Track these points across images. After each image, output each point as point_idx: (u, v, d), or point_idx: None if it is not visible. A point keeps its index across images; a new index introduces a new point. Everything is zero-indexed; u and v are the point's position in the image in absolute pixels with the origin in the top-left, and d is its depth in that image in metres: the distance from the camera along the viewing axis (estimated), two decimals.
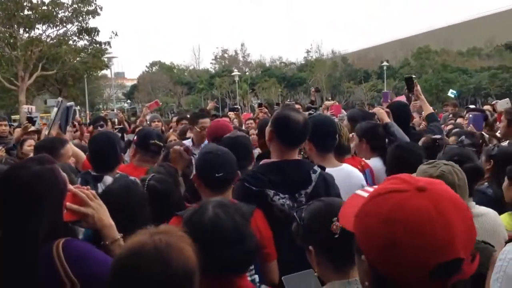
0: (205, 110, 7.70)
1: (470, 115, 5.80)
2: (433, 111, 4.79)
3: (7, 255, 1.78)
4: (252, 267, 2.23)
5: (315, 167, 2.61)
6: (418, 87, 4.75)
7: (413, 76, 5.16)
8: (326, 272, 1.70)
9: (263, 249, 2.36)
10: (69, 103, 4.33)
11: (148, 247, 1.25)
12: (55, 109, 4.15)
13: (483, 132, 4.89)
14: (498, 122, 5.99)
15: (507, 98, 6.74)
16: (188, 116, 7.82)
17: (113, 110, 17.36)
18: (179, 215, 2.45)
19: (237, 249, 1.72)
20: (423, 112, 5.33)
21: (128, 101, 68.36)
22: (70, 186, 1.92)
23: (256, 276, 2.24)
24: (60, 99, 4.36)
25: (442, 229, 0.91)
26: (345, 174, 2.93)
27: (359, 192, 1.23)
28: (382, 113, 3.98)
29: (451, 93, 8.70)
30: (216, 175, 2.48)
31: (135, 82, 71.43)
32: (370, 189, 1.18)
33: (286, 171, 2.58)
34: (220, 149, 2.64)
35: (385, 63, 53.51)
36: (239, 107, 8.56)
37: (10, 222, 1.79)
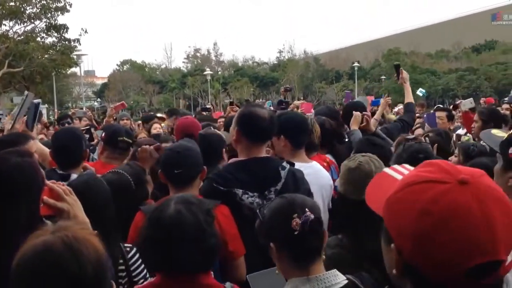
0: (174, 110, 7.73)
1: (424, 115, 5.99)
2: (412, 101, 4.82)
3: None
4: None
5: (284, 164, 2.58)
6: (404, 74, 4.75)
7: (399, 63, 5.19)
8: (287, 269, 1.70)
9: (226, 246, 2.34)
10: (36, 100, 4.21)
11: (56, 245, 1.18)
12: (20, 102, 4.03)
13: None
14: (461, 120, 6.17)
15: (471, 98, 6.94)
16: (157, 115, 7.84)
17: (81, 108, 16.99)
18: (143, 211, 2.45)
19: (199, 246, 1.72)
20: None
21: (98, 99, 67.16)
22: (47, 181, 1.89)
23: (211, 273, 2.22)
24: (26, 92, 4.24)
25: (485, 229, 0.84)
26: (315, 171, 2.94)
27: (388, 171, 1.18)
28: (355, 118, 3.95)
29: (420, 91, 8.74)
30: (175, 171, 2.50)
31: (105, 80, 70.28)
32: (401, 169, 1.14)
33: (254, 169, 2.55)
34: (182, 146, 2.64)
35: (356, 64, 54.17)
36: (211, 107, 8.50)
37: None
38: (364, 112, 3.98)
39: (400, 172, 1.13)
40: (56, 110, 36.60)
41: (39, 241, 1.20)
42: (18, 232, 1.75)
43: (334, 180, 3.36)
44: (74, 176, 2.93)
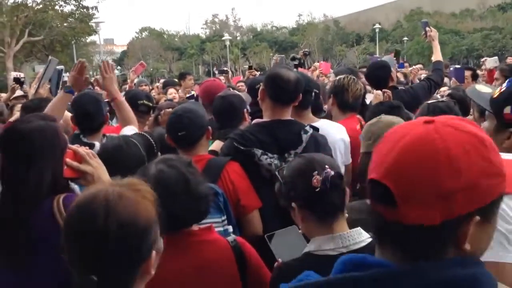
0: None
1: (451, 68, 5.77)
2: (441, 59, 4.61)
3: (7, 207, 1.80)
4: (224, 217, 2.25)
5: (307, 128, 2.58)
6: (433, 32, 4.58)
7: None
8: (310, 228, 1.70)
9: (239, 201, 2.43)
10: (59, 67, 4.24)
11: (99, 198, 1.22)
12: (44, 68, 4.07)
13: None
14: (486, 78, 6.00)
15: (496, 57, 6.72)
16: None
17: None
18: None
19: (188, 197, 1.76)
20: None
21: (119, 67, 67.42)
22: (70, 145, 1.93)
23: (230, 227, 2.26)
24: (50, 58, 4.26)
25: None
26: (321, 130, 2.83)
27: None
28: (376, 97, 3.87)
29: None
30: (179, 134, 2.55)
31: (125, 48, 70.37)
32: None
33: (276, 131, 2.57)
34: (184, 108, 2.67)
35: (377, 26, 52.99)
36: (229, 70, 8.42)
37: (11, 174, 1.81)
38: (384, 90, 3.84)
39: None
40: None
41: (89, 192, 1.27)
42: (42, 193, 1.81)
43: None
44: (97, 144, 2.95)
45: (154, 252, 1.27)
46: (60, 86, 4.08)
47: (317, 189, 1.61)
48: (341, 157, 2.98)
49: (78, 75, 3.18)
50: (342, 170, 2.96)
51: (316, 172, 1.62)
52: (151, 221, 1.25)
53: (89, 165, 1.88)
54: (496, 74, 4.70)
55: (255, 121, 2.76)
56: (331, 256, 1.62)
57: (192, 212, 1.82)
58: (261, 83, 2.82)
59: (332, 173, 1.61)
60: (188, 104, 2.92)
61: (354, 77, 3.61)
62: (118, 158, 2.28)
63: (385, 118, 2.13)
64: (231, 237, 1.96)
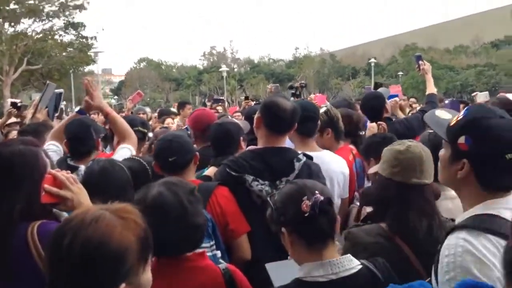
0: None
1: (447, 101, 5.80)
2: (435, 92, 4.63)
3: None
4: (213, 242, 2.24)
5: (300, 156, 2.58)
6: (426, 65, 4.60)
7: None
8: (300, 254, 1.68)
9: (227, 225, 2.43)
10: (58, 90, 4.27)
11: (75, 220, 1.21)
12: (42, 92, 4.11)
13: None
14: None
15: (487, 91, 6.79)
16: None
17: None
18: None
19: (182, 225, 1.76)
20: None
21: (116, 97, 67.79)
22: (51, 170, 1.90)
23: (218, 252, 2.24)
24: (48, 82, 4.29)
25: None
26: (323, 161, 2.84)
27: None
28: (370, 129, 3.89)
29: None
30: (169, 159, 2.54)
31: (122, 78, 70.90)
32: None
33: (269, 158, 2.58)
34: (173, 134, 2.71)
35: (372, 60, 53.78)
36: (225, 99, 8.47)
37: None
38: (379, 122, 3.82)
39: None
40: (74, 107, 37.10)
41: (77, 213, 1.27)
42: (14, 219, 1.76)
43: (357, 173, 3.36)
44: (82, 167, 2.93)
45: (123, 285, 1.18)
46: (58, 111, 4.09)
47: (306, 214, 1.59)
48: (339, 189, 2.96)
49: (90, 98, 3.19)
50: (338, 202, 2.97)
51: (306, 197, 1.61)
52: (124, 250, 1.18)
53: (69, 190, 1.83)
54: None
55: (249, 147, 2.77)
56: (321, 282, 1.61)
57: (186, 241, 1.81)
58: (257, 112, 2.84)
59: (322, 198, 1.60)
60: (174, 131, 2.94)
61: (335, 110, 3.62)
62: (103, 181, 2.25)
63: (414, 148, 2.10)
64: (223, 265, 1.94)
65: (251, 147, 2.74)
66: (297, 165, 2.53)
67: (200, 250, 1.90)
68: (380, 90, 5.30)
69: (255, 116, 2.71)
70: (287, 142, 2.84)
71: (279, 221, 1.69)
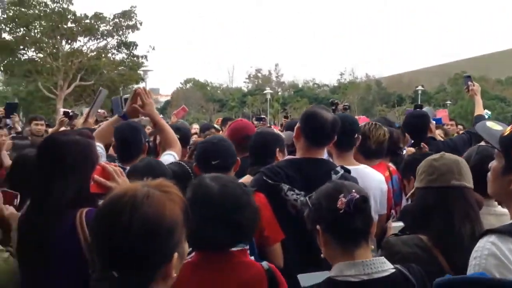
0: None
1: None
2: (483, 113, 4.51)
3: (33, 215, 1.87)
4: (247, 247, 2.23)
5: (338, 168, 2.56)
6: (476, 86, 4.51)
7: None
8: (333, 253, 1.69)
9: (262, 232, 2.40)
10: (125, 96, 4.45)
11: (127, 196, 1.23)
12: (94, 98, 4.28)
13: None
14: None
15: None
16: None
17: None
18: None
19: (247, 210, 1.83)
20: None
21: (161, 115, 69.10)
22: (101, 161, 2.00)
23: (252, 257, 2.24)
24: (100, 88, 4.49)
25: None
26: (359, 174, 2.82)
27: None
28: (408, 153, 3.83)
29: (486, 113, 8.14)
30: (213, 162, 2.55)
31: (168, 98, 72.50)
32: None
33: (306, 169, 2.58)
34: (216, 137, 2.69)
35: (420, 88, 52.79)
36: (267, 119, 8.58)
37: (40, 183, 1.89)
38: (423, 144, 3.79)
39: None
40: None
41: (121, 188, 1.30)
42: (64, 205, 1.87)
43: (394, 190, 3.31)
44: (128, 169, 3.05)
45: (176, 255, 1.26)
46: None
47: (341, 211, 1.60)
48: (376, 205, 2.92)
49: (134, 103, 3.32)
50: (376, 218, 2.94)
51: (342, 195, 1.63)
52: (176, 223, 1.25)
53: (115, 182, 1.92)
54: None
55: (287, 157, 2.77)
56: (352, 282, 1.60)
57: (233, 236, 1.84)
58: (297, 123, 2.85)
59: (357, 196, 1.61)
60: (218, 135, 2.98)
61: (375, 123, 3.57)
62: (147, 174, 2.34)
63: (449, 155, 2.10)
64: (265, 263, 1.97)
65: (289, 156, 2.75)
66: (334, 177, 2.50)
67: (240, 248, 1.93)
68: (425, 109, 5.19)
69: (295, 127, 2.74)
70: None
71: (315, 218, 1.71)
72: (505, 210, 2.32)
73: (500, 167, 1.56)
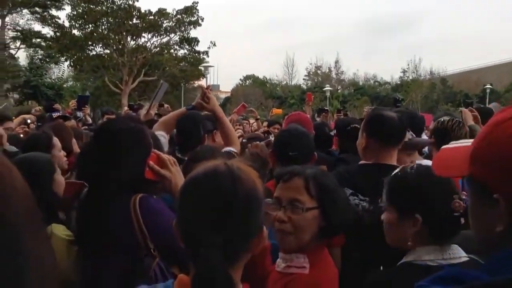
0: None
1: None
2: None
3: (90, 200, 1.91)
4: None
5: None
6: None
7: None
8: (420, 245, 1.63)
9: None
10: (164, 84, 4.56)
11: (221, 169, 1.23)
12: (156, 91, 4.40)
13: None
14: None
15: None
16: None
17: None
18: None
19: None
20: None
21: None
22: (155, 150, 2.02)
23: None
24: (162, 81, 4.60)
25: None
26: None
27: (447, 146, 1.15)
28: (467, 113, 3.77)
29: None
30: (290, 153, 2.49)
31: (228, 94, 73.52)
32: (461, 142, 1.09)
33: (374, 174, 2.47)
34: (297, 128, 2.63)
35: (488, 86, 50.46)
36: (328, 109, 8.51)
37: (97, 169, 1.91)
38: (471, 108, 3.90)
39: (461, 143, 1.06)
40: None
41: (209, 164, 1.27)
42: (120, 189, 1.89)
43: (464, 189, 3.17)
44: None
45: (265, 228, 1.26)
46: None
47: (456, 213, 1.55)
48: None
49: (202, 100, 3.38)
50: None
51: (458, 196, 1.56)
52: (261, 195, 1.26)
53: (169, 170, 1.93)
54: None
55: (361, 162, 2.72)
56: (430, 266, 1.55)
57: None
58: (351, 125, 2.77)
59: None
60: (298, 126, 2.91)
61: (459, 120, 3.43)
62: (208, 156, 2.34)
63: None
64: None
65: (363, 162, 2.69)
66: None
67: None
68: (491, 105, 4.98)
69: (360, 137, 2.67)
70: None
71: (414, 205, 1.62)
72: None
73: None
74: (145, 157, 1.93)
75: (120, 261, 1.83)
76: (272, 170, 2.98)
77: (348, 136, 3.63)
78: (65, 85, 38.98)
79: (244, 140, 4.12)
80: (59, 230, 2.11)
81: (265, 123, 8.94)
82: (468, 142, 0.99)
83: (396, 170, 1.79)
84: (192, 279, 1.14)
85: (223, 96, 75.99)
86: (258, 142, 3.64)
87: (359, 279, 1.72)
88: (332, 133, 4.09)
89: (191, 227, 1.21)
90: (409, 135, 2.80)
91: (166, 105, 11.29)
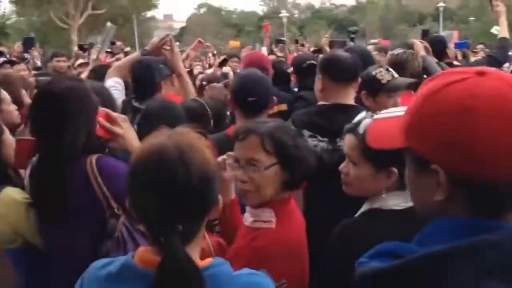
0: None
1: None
2: (507, 35, 4.30)
3: (43, 166, 1.87)
4: None
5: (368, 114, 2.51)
6: (500, 7, 4.26)
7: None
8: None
9: None
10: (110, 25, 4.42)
11: (170, 149, 1.18)
12: (104, 35, 4.24)
13: None
14: None
15: None
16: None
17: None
18: (210, 138, 2.52)
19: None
20: None
21: (178, 43, 68.11)
22: (103, 108, 1.96)
23: None
24: (109, 24, 4.43)
25: None
26: None
27: (380, 115, 1.17)
28: (418, 45, 3.81)
29: (495, 29, 7.49)
30: (249, 99, 2.47)
31: (183, 24, 71.10)
32: (394, 110, 1.11)
33: (332, 115, 2.55)
34: (255, 73, 2.62)
35: (441, 5, 50.60)
36: (285, 40, 8.39)
37: (46, 132, 1.87)
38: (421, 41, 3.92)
39: (395, 111, 1.08)
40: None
41: (155, 142, 1.22)
42: (76, 150, 1.84)
43: None
44: None
45: (219, 197, 1.28)
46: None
47: None
48: None
49: (159, 45, 3.29)
50: None
51: None
52: (215, 167, 1.26)
53: (120, 127, 1.89)
54: None
55: (319, 103, 2.77)
56: (395, 210, 1.61)
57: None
58: (307, 62, 2.81)
59: None
60: (257, 70, 2.89)
61: (412, 52, 3.48)
62: (162, 113, 2.32)
63: None
64: None
65: (321, 103, 2.72)
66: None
67: None
68: (443, 33, 5.07)
69: (317, 81, 2.71)
70: None
71: (393, 159, 1.60)
72: None
73: None
74: (93, 116, 1.87)
75: (86, 224, 1.83)
76: (233, 113, 2.99)
77: (305, 73, 3.64)
78: (8, 22, 36.67)
79: (204, 83, 4.07)
80: (15, 193, 2.03)
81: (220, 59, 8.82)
82: (399, 111, 0.99)
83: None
84: (157, 269, 1.13)
85: (178, 26, 73.41)
86: (216, 84, 3.61)
87: (327, 229, 1.76)
88: (289, 70, 4.08)
89: (147, 216, 1.21)
90: (388, 76, 2.81)
91: (118, 43, 10.88)
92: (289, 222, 1.80)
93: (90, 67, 4.50)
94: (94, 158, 1.86)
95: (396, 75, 2.89)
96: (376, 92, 2.82)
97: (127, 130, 1.92)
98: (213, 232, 2.11)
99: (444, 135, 0.82)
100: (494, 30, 9.28)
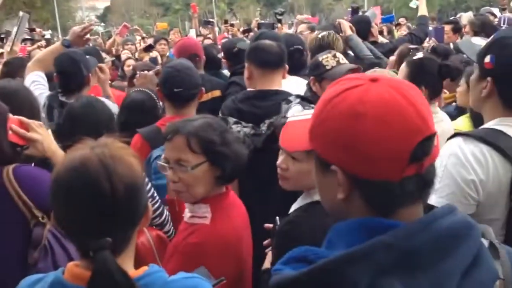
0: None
1: (431, 28, 5.62)
2: (426, 13, 4.61)
3: None
4: None
5: (291, 98, 2.46)
6: None
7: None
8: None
9: None
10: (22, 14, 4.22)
11: (93, 162, 1.15)
12: (17, 25, 4.04)
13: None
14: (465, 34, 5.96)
15: (470, 12, 6.62)
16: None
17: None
18: (141, 133, 2.50)
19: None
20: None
21: (102, 24, 65.61)
22: (15, 116, 1.88)
23: None
24: (21, 13, 4.21)
25: (414, 112, 0.86)
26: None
27: (293, 118, 1.21)
28: (344, 24, 3.92)
29: (414, 3, 7.75)
30: (175, 90, 2.48)
31: (107, 3, 68.32)
32: (304, 112, 1.15)
33: (257, 101, 2.66)
34: (182, 64, 2.63)
35: None
36: (215, 23, 8.32)
37: None
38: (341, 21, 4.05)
39: (304, 114, 1.13)
40: (60, 36, 36.07)
41: (77, 156, 1.18)
42: None
43: None
44: None
45: (149, 204, 1.28)
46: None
47: None
48: None
49: (81, 34, 3.17)
50: None
51: None
52: (142, 178, 1.24)
53: (36, 133, 1.84)
54: (466, 28, 4.65)
55: (245, 90, 2.85)
56: None
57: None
58: (236, 46, 2.89)
59: None
60: (184, 60, 2.86)
61: (336, 35, 3.57)
62: (85, 116, 2.27)
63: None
64: None
65: (247, 90, 2.80)
66: (285, 107, 2.44)
67: None
68: (367, 13, 5.23)
69: (245, 71, 2.78)
70: None
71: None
72: (442, 116, 2.49)
73: (475, 77, 1.75)
74: (3, 123, 1.79)
75: (9, 234, 1.77)
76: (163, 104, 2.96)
77: (236, 57, 3.65)
78: None
79: (137, 74, 3.98)
80: None
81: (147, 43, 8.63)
82: (309, 115, 1.04)
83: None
84: (88, 285, 1.12)
85: (101, 6, 70.44)
86: (146, 72, 3.54)
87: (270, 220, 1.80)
88: (220, 55, 4.07)
89: (74, 231, 1.20)
90: (333, 61, 2.84)
91: (38, 30, 10.33)
92: (226, 217, 1.81)
93: (4, 60, 4.27)
94: (10, 168, 1.79)
95: (344, 60, 2.89)
96: (321, 78, 2.82)
97: (44, 136, 1.86)
98: (152, 226, 2.11)
99: (338, 137, 0.88)
100: (413, 4, 9.68)
